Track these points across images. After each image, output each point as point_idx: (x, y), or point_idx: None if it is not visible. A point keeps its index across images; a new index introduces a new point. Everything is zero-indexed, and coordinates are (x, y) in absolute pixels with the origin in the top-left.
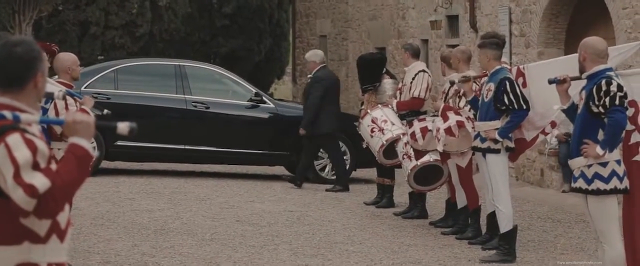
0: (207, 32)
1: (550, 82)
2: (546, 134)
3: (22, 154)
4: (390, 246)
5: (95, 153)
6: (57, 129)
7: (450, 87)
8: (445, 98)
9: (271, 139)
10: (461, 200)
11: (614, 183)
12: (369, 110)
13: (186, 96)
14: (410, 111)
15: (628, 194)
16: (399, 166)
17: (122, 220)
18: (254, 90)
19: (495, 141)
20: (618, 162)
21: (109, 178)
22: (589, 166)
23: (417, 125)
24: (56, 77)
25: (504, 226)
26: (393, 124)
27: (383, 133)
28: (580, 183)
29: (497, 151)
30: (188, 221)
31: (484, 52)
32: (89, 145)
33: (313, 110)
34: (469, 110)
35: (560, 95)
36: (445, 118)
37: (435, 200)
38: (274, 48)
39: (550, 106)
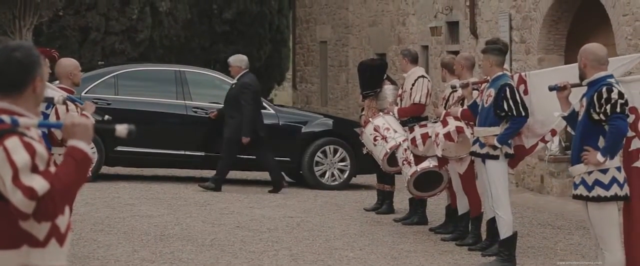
0: (207, 38)
1: (551, 88)
2: (546, 142)
3: (21, 157)
4: (390, 252)
5: (94, 157)
6: (58, 134)
7: (451, 93)
8: (446, 104)
9: (272, 145)
10: (462, 207)
11: (615, 189)
12: (370, 119)
13: (186, 102)
14: (411, 117)
15: (628, 201)
16: (400, 172)
17: (122, 225)
18: None
19: (494, 147)
20: (618, 168)
21: (109, 184)
22: (590, 173)
23: (418, 131)
24: (57, 82)
25: (504, 233)
26: (396, 132)
27: (386, 142)
28: (581, 190)
29: (496, 157)
30: (188, 227)
31: (486, 57)
32: (88, 147)
33: (251, 117)
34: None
35: (560, 102)
36: (445, 123)
37: (435, 207)
38: (274, 54)
39: (551, 114)
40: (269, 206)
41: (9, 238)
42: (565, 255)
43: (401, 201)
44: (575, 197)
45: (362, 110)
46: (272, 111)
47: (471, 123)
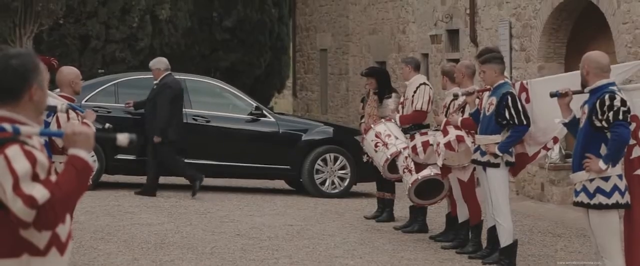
0: (208, 46)
1: (552, 95)
2: (548, 150)
3: (22, 166)
4: (391, 260)
5: (95, 166)
6: (59, 142)
7: (451, 101)
8: (446, 112)
9: (272, 153)
10: (462, 215)
11: (616, 197)
12: (372, 125)
13: (187, 109)
14: (413, 124)
15: (629, 209)
16: (401, 180)
17: (122, 233)
18: (254, 104)
19: (495, 155)
20: (620, 176)
21: (109, 192)
22: (591, 180)
23: (418, 139)
24: (58, 90)
25: (505, 241)
26: (397, 138)
27: (387, 148)
28: (582, 198)
29: (497, 165)
30: (188, 235)
31: (490, 67)
32: (89, 156)
33: (166, 118)
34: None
35: (561, 109)
36: (445, 132)
37: (436, 214)
38: (274, 62)
39: (553, 122)
40: (269, 214)
41: (10, 246)
42: (565, 262)
43: (401, 209)
44: (576, 204)
45: (362, 118)
46: (272, 119)
47: (472, 131)
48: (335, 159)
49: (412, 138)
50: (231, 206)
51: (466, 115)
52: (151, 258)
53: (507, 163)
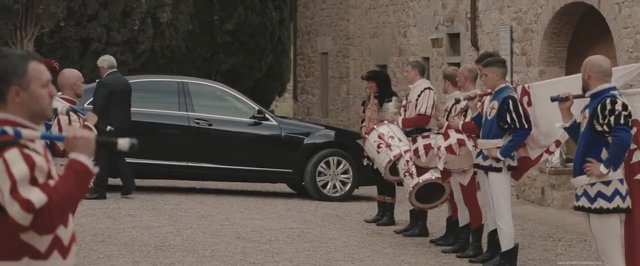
0: (209, 49)
1: (553, 99)
2: (550, 153)
3: (20, 169)
4: (391, 264)
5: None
6: (60, 145)
7: (453, 105)
8: (448, 115)
9: (273, 156)
10: (463, 218)
11: (617, 202)
12: (375, 126)
13: (189, 113)
14: (415, 128)
15: (630, 213)
16: (401, 183)
17: (122, 236)
18: (256, 107)
19: (497, 159)
20: (621, 180)
21: (110, 195)
22: (592, 184)
23: (420, 142)
24: (59, 93)
25: (505, 245)
26: (400, 140)
27: (390, 149)
28: (583, 202)
29: (499, 169)
30: (188, 238)
31: (492, 70)
32: (89, 160)
33: (100, 113)
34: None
35: (562, 113)
36: (446, 136)
37: (436, 218)
38: (275, 65)
39: (555, 125)
40: (270, 218)
41: (10, 249)
42: (565, 260)
43: (402, 212)
44: (577, 208)
45: (363, 121)
46: (274, 122)
47: (473, 135)
48: (338, 163)
49: (414, 141)
50: (231, 209)
51: (468, 118)
52: (151, 260)
53: (509, 168)
